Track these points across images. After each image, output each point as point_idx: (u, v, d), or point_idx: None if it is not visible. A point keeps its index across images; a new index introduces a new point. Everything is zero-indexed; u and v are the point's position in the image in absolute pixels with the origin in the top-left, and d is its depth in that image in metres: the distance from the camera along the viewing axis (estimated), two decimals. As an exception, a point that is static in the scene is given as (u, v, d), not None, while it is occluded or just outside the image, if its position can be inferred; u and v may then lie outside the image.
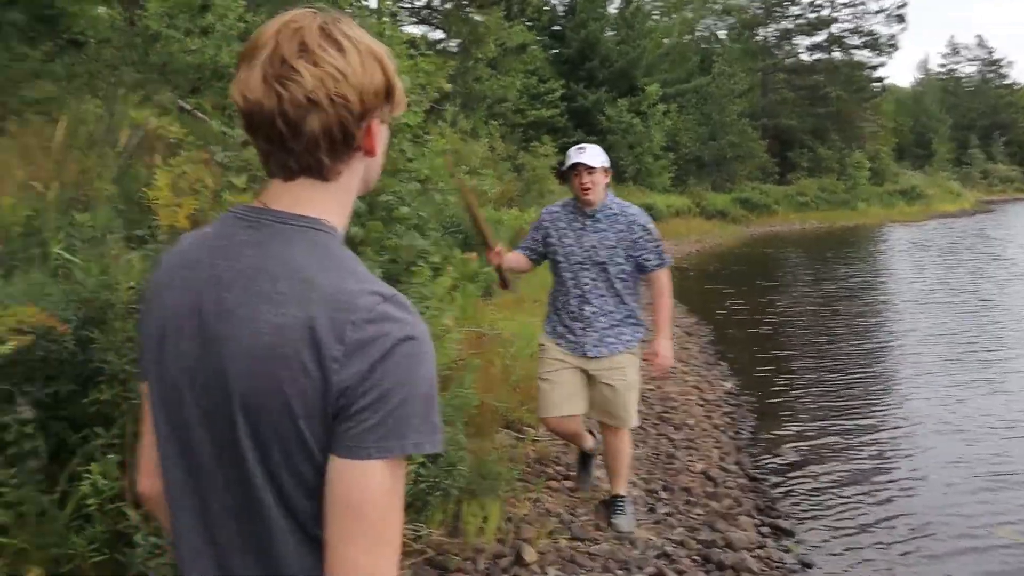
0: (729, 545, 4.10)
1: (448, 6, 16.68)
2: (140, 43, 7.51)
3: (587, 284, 3.85)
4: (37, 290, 2.73)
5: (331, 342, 0.94)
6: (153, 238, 3.33)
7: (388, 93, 1.06)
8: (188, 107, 7.63)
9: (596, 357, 3.88)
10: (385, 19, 9.21)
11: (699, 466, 5.28)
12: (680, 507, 4.58)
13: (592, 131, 30.20)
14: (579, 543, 3.91)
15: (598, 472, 4.54)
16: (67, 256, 3.21)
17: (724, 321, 11.54)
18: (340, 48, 1.00)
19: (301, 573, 1.02)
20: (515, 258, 4.05)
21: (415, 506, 3.11)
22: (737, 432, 6.32)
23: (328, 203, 1.06)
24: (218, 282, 1.03)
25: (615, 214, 3.86)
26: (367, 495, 0.94)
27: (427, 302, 3.83)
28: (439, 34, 19.19)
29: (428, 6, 17.54)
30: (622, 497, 4.20)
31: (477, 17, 16.93)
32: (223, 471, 1.03)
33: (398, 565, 0.98)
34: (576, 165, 3.78)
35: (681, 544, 4.08)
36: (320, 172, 1.04)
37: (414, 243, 3.95)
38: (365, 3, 8.78)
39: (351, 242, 3.82)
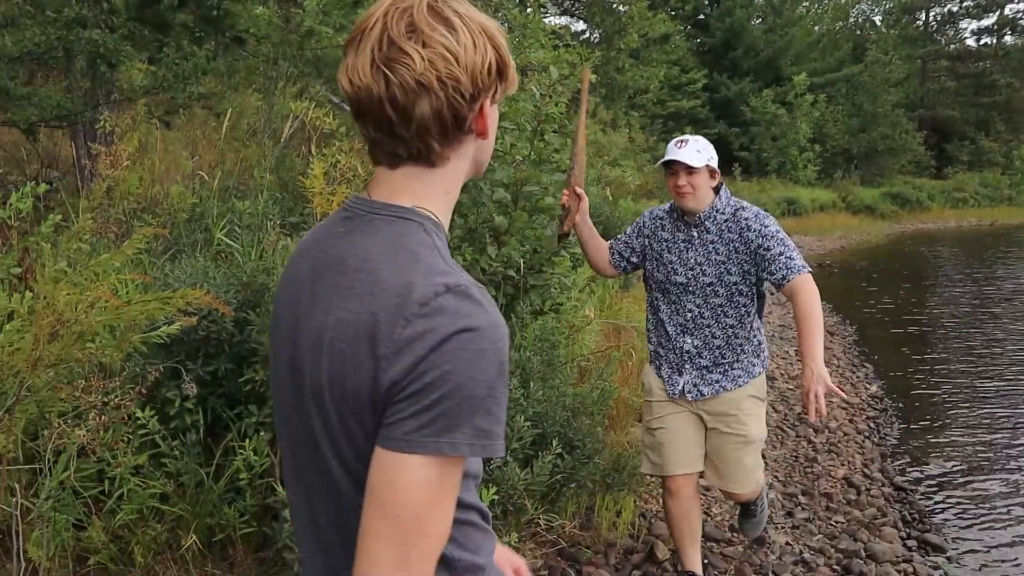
0: (872, 557, 3.93)
1: (592, -4, 16.65)
2: (296, 39, 7.90)
3: (690, 312, 3.03)
4: (201, 273, 2.93)
5: (385, 339, 0.91)
6: (307, 224, 3.50)
7: (501, 72, 1.01)
8: (337, 100, 7.96)
9: (700, 400, 3.06)
10: (529, 10, 9.29)
11: (840, 472, 5.07)
12: (820, 513, 4.42)
13: (734, 122, 29.45)
14: (713, 544, 3.84)
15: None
16: (228, 241, 3.42)
17: (869, 321, 10.98)
18: (451, 26, 0.95)
19: None
20: (597, 240, 3.23)
21: (549, 496, 3.14)
22: (882, 438, 6.02)
23: (430, 190, 1.03)
24: (312, 272, 1.04)
25: (726, 220, 2.97)
26: (396, 489, 0.89)
27: (568, 292, 3.84)
28: (581, 25, 19.15)
29: (571, -3, 17.56)
30: (754, 501, 3.35)
31: (620, 7, 16.77)
32: (311, 463, 1.02)
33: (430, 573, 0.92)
34: (672, 163, 2.95)
35: (820, 552, 3.95)
36: (428, 158, 1.01)
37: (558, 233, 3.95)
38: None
39: (496, 231, 3.88)
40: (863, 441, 5.83)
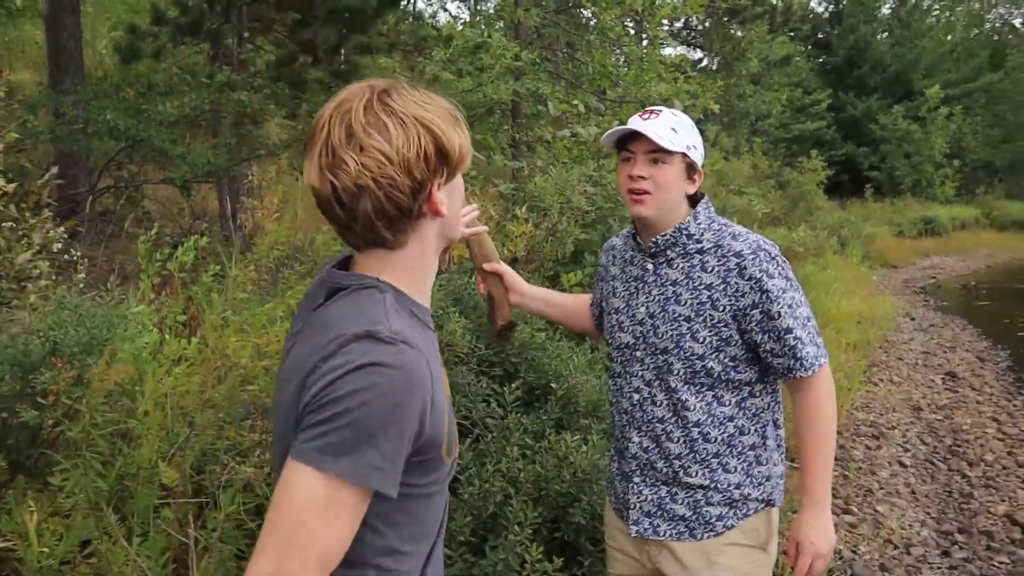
0: (1043, 601, 3.66)
1: (708, 24, 16.49)
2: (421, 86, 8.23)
3: (638, 391, 1.93)
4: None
5: (309, 370, 1.03)
6: (442, 270, 3.64)
7: (443, 155, 1.09)
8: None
9: (654, 541, 1.92)
10: (646, 42, 9.34)
11: (1001, 508, 4.76)
12: (980, 553, 4.17)
13: (863, 142, 28.41)
14: (863, 583, 3.68)
15: None
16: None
17: (1025, 346, 10.26)
18: (384, 128, 1.04)
19: None
20: (552, 306, 2.24)
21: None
22: (1048, 473, 5.60)
23: (393, 268, 1.14)
24: (292, 328, 1.22)
25: (703, 250, 1.85)
26: (284, 492, 0.99)
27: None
28: (699, 53, 19.03)
29: (687, 26, 17.47)
30: None
31: (738, 32, 16.59)
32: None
33: None
34: (626, 141, 1.87)
35: (983, 595, 3.71)
36: (384, 244, 1.11)
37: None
38: (629, 29, 8.94)
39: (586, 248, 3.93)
40: (1026, 475, 5.45)
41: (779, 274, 1.79)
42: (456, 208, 1.18)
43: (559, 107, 4.74)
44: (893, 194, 26.86)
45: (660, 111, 1.86)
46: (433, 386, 1.07)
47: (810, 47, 31.03)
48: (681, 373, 1.84)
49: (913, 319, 11.48)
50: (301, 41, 7.27)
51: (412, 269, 1.15)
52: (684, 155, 1.83)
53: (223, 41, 7.68)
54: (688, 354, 1.82)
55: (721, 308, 1.80)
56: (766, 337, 1.78)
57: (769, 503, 1.88)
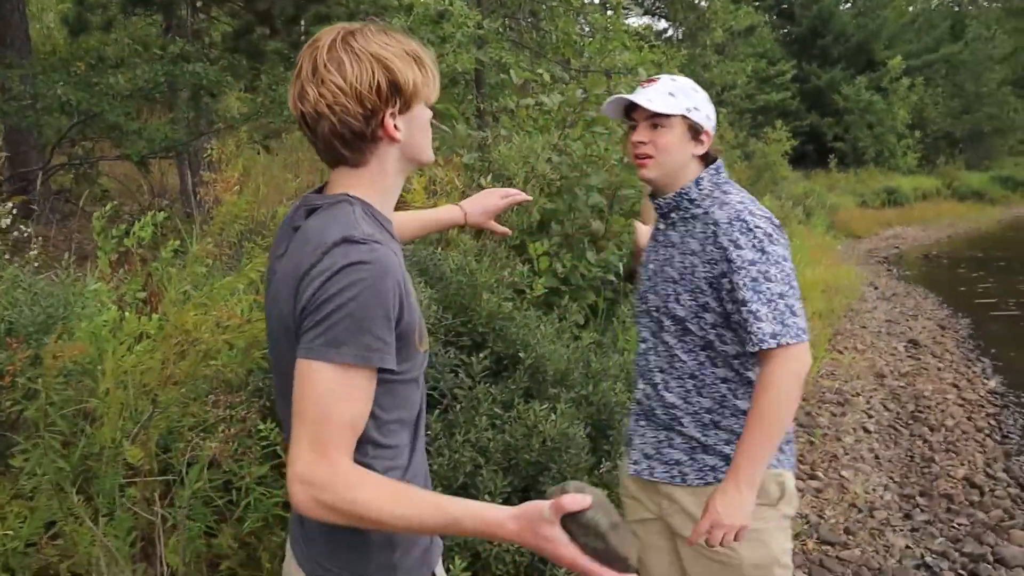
0: (1001, 561, 3.76)
1: (673, -7, 16.46)
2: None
3: (643, 342, 2.04)
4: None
5: (301, 277, 1.18)
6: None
7: (396, 87, 1.25)
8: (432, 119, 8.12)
9: (658, 483, 1.99)
10: (609, 12, 9.27)
11: (961, 472, 4.86)
12: (940, 515, 4.25)
13: (827, 112, 28.61)
14: (828, 547, 3.75)
15: None
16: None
17: (984, 314, 10.46)
18: (341, 63, 1.22)
19: None
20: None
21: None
22: (1005, 436, 5.72)
23: (357, 182, 1.30)
24: (276, 252, 1.34)
25: (695, 216, 1.90)
26: (302, 388, 1.15)
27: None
28: (664, 23, 18.97)
29: (651, -4, 17.40)
30: None
31: (703, 3, 16.55)
32: (280, 387, 1.34)
33: (347, 472, 1.13)
34: (629, 110, 1.94)
35: (943, 556, 3.80)
36: (347, 162, 1.29)
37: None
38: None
39: (593, 236, 3.90)
40: (984, 439, 5.57)
41: (750, 245, 1.76)
42: (418, 136, 1.32)
43: (522, 75, 4.70)
44: (857, 164, 27.15)
45: (659, 78, 1.93)
46: (403, 275, 1.23)
47: (774, 17, 31.10)
48: (672, 331, 1.90)
49: (876, 288, 11.65)
50: (257, 11, 7.09)
51: (373, 184, 1.30)
52: (684, 117, 1.86)
53: (176, 12, 7.48)
54: (673, 315, 1.89)
55: (698, 276, 1.84)
56: (734, 302, 1.78)
57: (778, 464, 1.87)
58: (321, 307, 1.14)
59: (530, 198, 2.01)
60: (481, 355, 2.78)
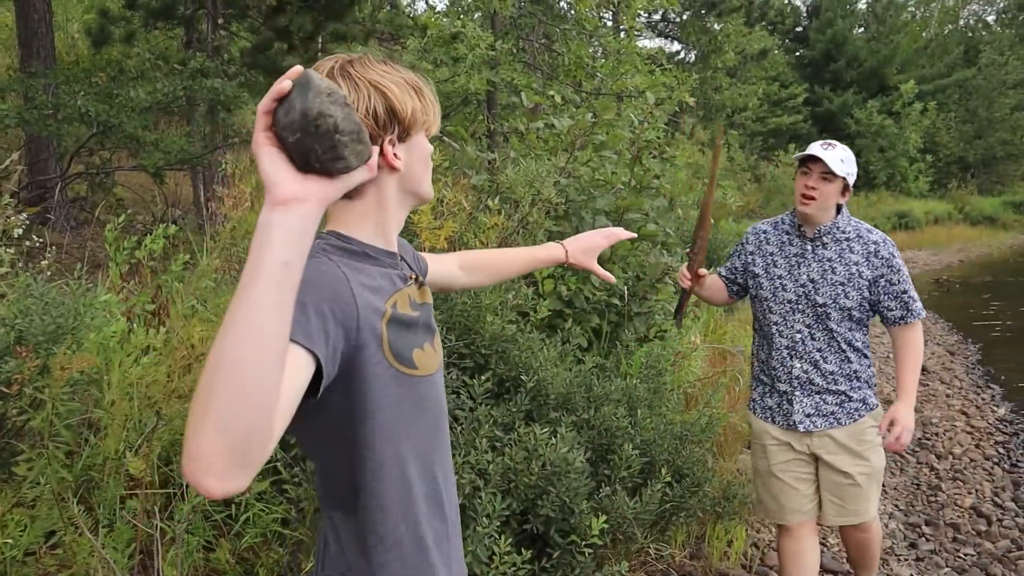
0: (1006, 591, 3.72)
1: (686, 16, 16.50)
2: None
3: (799, 332, 2.83)
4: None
5: None
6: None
7: (393, 115, 1.22)
8: (439, 133, 8.17)
9: (809, 432, 2.86)
10: (622, 35, 9.33)
11: (968, 501, 4.82)
12: (946, 545, 4.22)
13: (838, 136, 28.61)
14: (831, 575, 3.72)
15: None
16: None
17: (994, 340, 10.40)
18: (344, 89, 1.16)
19: None
20: (713, 282, 3.09)
21: (659, 525, 3.11)
22: (1014, 465, 5.67)
23: (352, 217, 1.26)
24: None
25: (848, 239, 2.80)
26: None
27: (673, 319, 3.82)
28: (676, 46, 19.06)
29: (664, 19, 17.47)
30: None
31: (716, 25, 16.62)
32: None
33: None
34: (808, 160, 2.79)
35: (948, 585, 3.76)
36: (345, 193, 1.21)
37: (660, 260, 3.95)
38: (606, 21, 8.93)
39: (600, 259, 3.91)
40: (992, 468, 5.52)
41: (898, 256, 2.79)
42: (418, 167, 1.30)
43: (532, 98, 4.73)
44: (868, 188, 27.12)
45: (835, 144, 2.79)
46: (350, 293, 1.16)
47: (787, 41, 31.22)
48: (836, 318, 2.77)
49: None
50: (276, 28, 7.19)
51: (366, 216, 1.27)
52: (844, 179, 2.76)
53: (197, 26, 7.59)
54: (842, 306, 2.76)
55: (864, 277, 2.76)
56: (887, 296, 2.76)
57: (877, 405, 2.88)
58: None
59: (634, 235, 2.09)
60: (483, 377, 2.79)
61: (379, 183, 1.25)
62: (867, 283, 2.75)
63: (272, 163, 0.96)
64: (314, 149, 0.96)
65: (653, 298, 3.83)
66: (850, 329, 2.80)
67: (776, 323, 2.87)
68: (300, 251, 0.94)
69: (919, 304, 2.78)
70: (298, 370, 1.03)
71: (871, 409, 2.86)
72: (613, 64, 6.77)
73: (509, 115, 5.99)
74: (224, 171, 5.23)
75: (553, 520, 2.65)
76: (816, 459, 2.89)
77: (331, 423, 1.20)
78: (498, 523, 2.47)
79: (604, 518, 2.61)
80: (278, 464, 2.83)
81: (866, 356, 2.85)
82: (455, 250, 3.48)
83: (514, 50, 6.74)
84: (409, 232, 3.53)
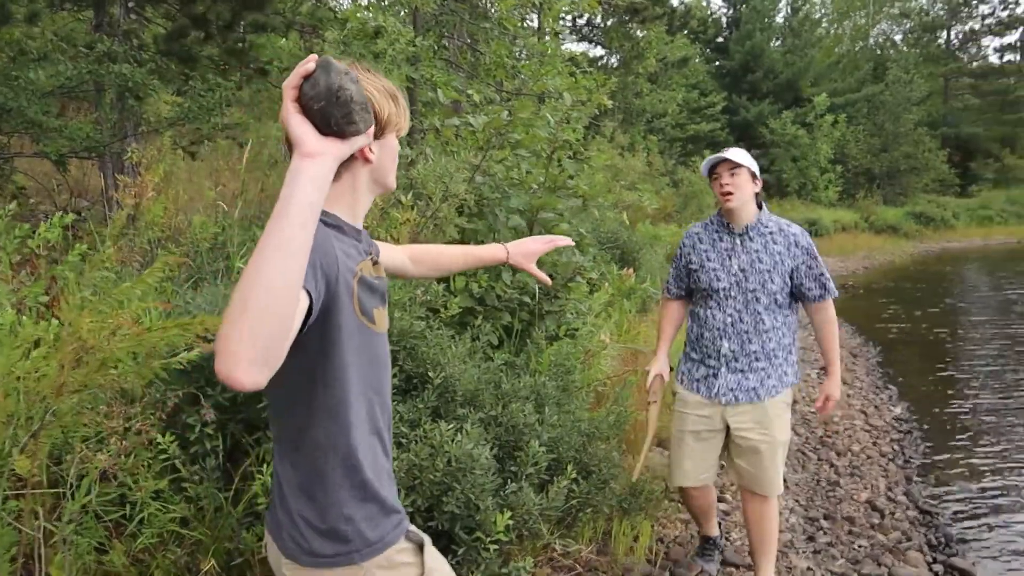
0: (896, 581, 3.88)
1: (610, 22, 16.71)
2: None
3: (731, 316, 3.19)
4: (221, 301, 2.98)
5: None
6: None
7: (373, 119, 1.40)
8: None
9: (730, 404, 3.22)
10: (546, 38, 9.39)
11: (864, 495, 5.02)
12: (842, 537, 4.38)
13: (754, 144, 29.46)
14: (732, 569, 3.81)
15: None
16: (247, 269, 3.47)
17: (894, 342, 10.87)
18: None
19: None
20: (669, 312, 3.48)
21: (565, 522, 3.13)
22: (907, 461, 5.94)
23: (335, 197, 1.48)
24: None
25: (771, 232, 3.19)
26: None
27: (584, 317, 3.86)
28: (600, 51, 19.28)
29: (589, 24, 17.66)
30: None
31: (639, 32, 16.88)
32: None
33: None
34: (716, 165, 3.18)
35: (842, 576, 3.90)
36: None
37: (572, 259, 3.98)
38: (530, 24, 8.97)
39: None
40: (887, 464, 5.76)
41: (813, 244, 3.19)
42: (387, 162, 1.53)
43: (449, 95, 4.72)
44: (780, 196, 27.99)
45: (728, 149, 3.19)
46: (335, 251, 1.38)
47: (708, 51, 31.99)
48: (764, 302, 3.13)
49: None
50: (193, 15, 6.96)
51: (341, 198, 1.49)
52: (748, 168, 3.14)
53: (108, 9, 7.29)
54: (768, 291, 3.12)
55: (787, 264, 3.12)
56: (808, 279, 3.15)
57: (796, 378, 3.25)
58: None
59: (571, 242, 2.28)
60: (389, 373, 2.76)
61: (354, 171, 1.48)
62: (789, 270, 3.14)
63: (300, 125, 1.21)
64: (334, 115, 1.22)
65: (564, 297, 3.85)
66: (774, 313, 3.17)
67: (712, 308, 3.24)
68: (321, 195, 1.19)
69: (833, 284, 3.21)
70: (300, 303, 1.22)
71: (788, 385, 3.23)
72: (535, 65, 6.80)
73: (429, 112, 5.96)
74: (131, 160, 5.05)
75: (458, 517, 2.64)
76: (728, 429, 3.27)
77: (304, 357, 1.38)
78: (401, 520, 2.45)
79: (509, 514, 2.62)
80: (177, 462, 2.74)
81: (787, 336, 3.21)
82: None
83: (436, 47, 6.70)
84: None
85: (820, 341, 3.27)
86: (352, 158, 1.44)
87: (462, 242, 3.80)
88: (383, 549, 1.51)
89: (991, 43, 43.79)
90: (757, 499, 3.32)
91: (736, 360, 3.19)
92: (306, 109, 1.22)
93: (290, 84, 1.22)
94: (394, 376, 2.91)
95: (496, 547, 2.62)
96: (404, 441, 2.68)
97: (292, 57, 8.32)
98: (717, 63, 32.65)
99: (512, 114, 3.96)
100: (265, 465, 2.73)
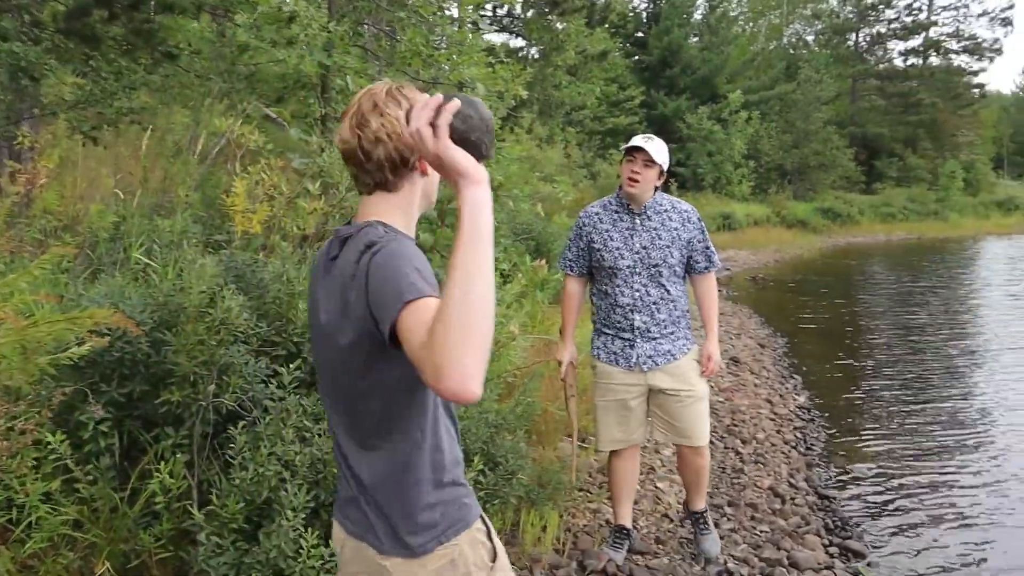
0: (794, 565, 4.02)
1: (530, 14, 16.75)
2: (229, 54, 7.80)
3: (638, 291, 3.47)
4: (117, 293, 2.87)
5: (352, 280, 1.45)
6: (229, 243, 3.46)
7: None
8: (273, 115, 7.87)
9: (651, 369, 3.50)
10: (467, 28, 9.34)
11: (767, 482, 5.18)
12: (745, 523, 4.51)
13: (671, 139, 29.92)
14: (638, 556, 3.89)
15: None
16: (145, 260, 3.37)
17: (800, 333, 11.27)
18: (398, 103, 1.52)
19: None
20: (569, 292, 3.68)
21: (473, 512, 3.13)
22: (808, 448, 6.17)
23: (390, 208, 1.58)
24: (316, 286, 1.63)
25: (666, 210, 3.49)
26: (421, 321, 1.28)
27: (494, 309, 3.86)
28: (520, 42, 19.32)
29: (509, 14, 17.67)
30: (704, 514, 3.96)
31: (558, 24, 16.97)
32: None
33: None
34: (634, 150, 3.40)
35: (744, 562, 4.02)
36: (386, 186, 1.57)
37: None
38: (448, 13, 8.89)
39: (422, 247, 3.90)
40: (790, 451, 5.96)
41: (702, 220, 3.58)
42: (435, 178, 1.62)
43: (359, 81, 4.64)
44: (696, 189, 28.59)
45: (654, 138, 3.42)
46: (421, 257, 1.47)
47: (628, 45, 32.38)
48: (666, 275, 3.44)
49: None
50: (97, -8, 6.65)
51: (400, 209, 1.58)
52: (660, 166, 3.40)
53: (-1, -15, 6.91)
54: (669, 264, 3.43)
55: (683, 238, 3.45)
56: (696, 252, 3.52)
57: (695, 341, 3.58)
58: (382, 281, 1.38)
59: None
60: (293, 365, 2.71)
61: (411, 182, 1.58)
62: (685, 243, 3.47)
63: (465, 156, 1.28)
64: (486, 142, 1.34)
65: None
66: (675, 284, 3.51)
67: (619, 285, 3.48)
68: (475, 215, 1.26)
69: (717, 257, 3.60)
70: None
71: (693, 343, 3.59)
72: (451, 54, 6.76)
73: (343, 99, 5.85)
74: (21, 145, 4.82)
75: (363, 511, 2.62)
76: (650, 392, 3.56)
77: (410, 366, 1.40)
78: (303, 516, 2.42)
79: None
80: (68, 462, 2.63)
81: (685, 303, 3.56)
82: (270, 235, 3.37)
83: (351, 33, 6.59)
84: (221, 215, 3.39)
85: (702, 308, 3.62)
86: (413, 168, 1.56)
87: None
88: (467, 527, 1.60)
89: (896, 47, 45.68)
90: (692, 452, 3.67)
91: (649, 331, 3.47)
92: (461, 141, 1.30)
93: (444, 121, 1.28)
94: (298, 368, 2.87)
95: (401, 541, 2.60)
96: (308, 435, 2.64)
97: (203, 41, 8.07)
98: (636, 57, 33.10)
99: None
100: (163, 463, 2.65)
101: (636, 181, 3.37)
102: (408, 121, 1.34)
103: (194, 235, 3.64)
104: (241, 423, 2.58)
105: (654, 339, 3.49)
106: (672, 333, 3.52)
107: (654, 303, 3.47)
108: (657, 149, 3.38)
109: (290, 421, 2.61)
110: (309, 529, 2.42)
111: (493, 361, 3.65)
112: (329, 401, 1.63)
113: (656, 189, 3.50)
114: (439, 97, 1.31)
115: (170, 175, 4.29)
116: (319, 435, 2.63)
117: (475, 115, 1.34)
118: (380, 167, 1.54)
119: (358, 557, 1.60)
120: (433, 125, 1.29)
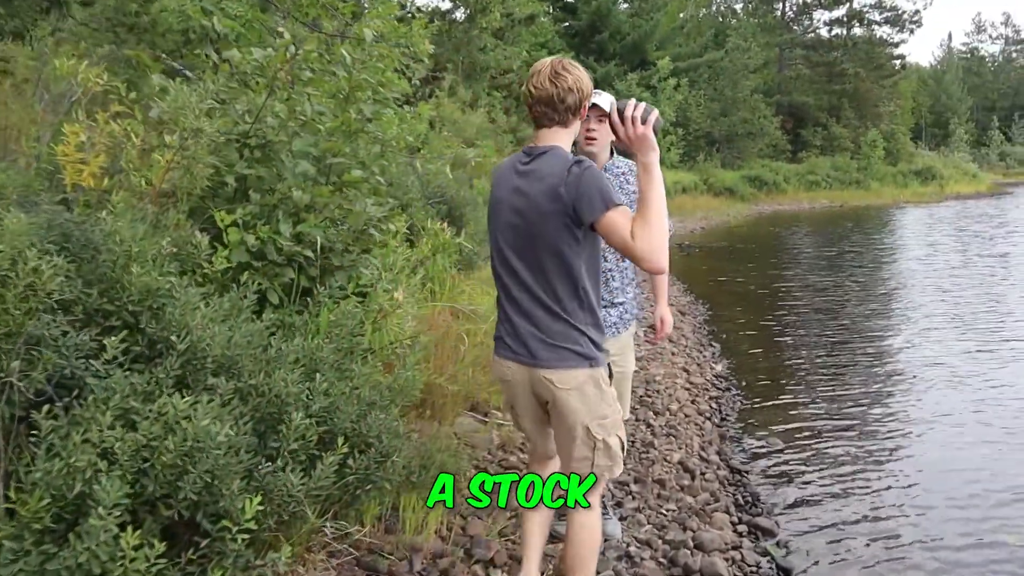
0: (699, 546, 3.79)
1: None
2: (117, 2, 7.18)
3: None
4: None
5: (563, 182, 2.38)
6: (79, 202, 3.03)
7: (589, 93, 2.54)
8: (180, 66, 7.28)
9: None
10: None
11: (677, 456, 4.96)
12: (651, 502, 4.27)
13: (600, 105, 29.76)
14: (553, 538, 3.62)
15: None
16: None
17: (722, 300, 11.20)
18: (575, 69, 2.48)
19: None
20: None
21: (343, 500, 2.81)
22: (723, 419, 5.99)
23: (564, 138, 2.51)
24: (514, 181, 2.56)
25: (624, 172, 3.37)
26: (622, 222, 2.36)
27: (382, 273, 3.51)
28: (447, 3, 18.74)
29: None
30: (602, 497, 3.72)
31: (485, -16, 16.46)
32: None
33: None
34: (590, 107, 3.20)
35: (647, 544, 3.79)
36: (564, 123, 2.50)
37: (366, 211, 3.62)
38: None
39: (295, 207, 3.53)
40: (704, 423, 5.77)
41: None
42: (578, 123, 2.57)
43: (226, 24, 4.22)
44: (626, 156, 28.50)
45: (602, 92, 3.21)
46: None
47: (556, 9, 31.92)
48: None
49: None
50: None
51: (566, 140, 2.52)
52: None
53: None
54: None
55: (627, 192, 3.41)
56: None
57: (637, 313, 3.59)
58: (588, 188, 2.35)
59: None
60: (117, 338, 2.34)
61: (574, 124, 2.53)
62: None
63: (653, 137, 2.38)
64: (658, 134, 2.39)
65: (357, 251, 3.50)
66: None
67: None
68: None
69: (669, 222, 3.68)
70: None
71: (635, 318, 3.57)
72: (354, 7, 6.29)
73: (225, 45, 5.36)
74: None
75: (200, 504, 2.27)
76: None
77: (598, 239, 2.51)
78: (119, 512, 2.06)
79: (259, 498, 2.27)
80: None
81: (634, 271, 3.54)
82: (105, 186, 2.95)
83: (246, -20, 6.06)
84: (53, 164, 2.97)
85: (655, 283, 3.62)
86: (580, 113, 2.52)
87: (243, 191, 3.36)
88: (605, 361, 2.60)
89: (822, 16, 46.09)
90: None
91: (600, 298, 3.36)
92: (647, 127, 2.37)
93: (653, 117, 2.38)
94: (135, 343, 2.49)
95: (246, 537, 2.27)
96: (136, 418, 2.27)
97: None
98: (566, 24, 32.69)
99: (299, 48, 3.53)
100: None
101: (593, 139, 3.24)
102: (625, 112, 2.35)
103: (42, 190, 3.20)
104: (46, 406, 2.19)
105: (604, 308, 3.21)
106: (621, 304, 3.42)
107: (609, 269, 3.37)
108: (607, 102, 3.13)
109: (111, 403, 2.24)
110: (130, 528, 2.07)
111: (375, 332, 3.30)
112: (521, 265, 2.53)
113: (612, 152, 3.36)
114: (647, 105, 2.37)
115: (10, 123, 3.81)
116: (147, 418, 2.26)
117: (655, 111, 2.37)
118: (568, 109, 2.44)
119: (525, 379, 2.60)
120: (643, 119, 2.34)
